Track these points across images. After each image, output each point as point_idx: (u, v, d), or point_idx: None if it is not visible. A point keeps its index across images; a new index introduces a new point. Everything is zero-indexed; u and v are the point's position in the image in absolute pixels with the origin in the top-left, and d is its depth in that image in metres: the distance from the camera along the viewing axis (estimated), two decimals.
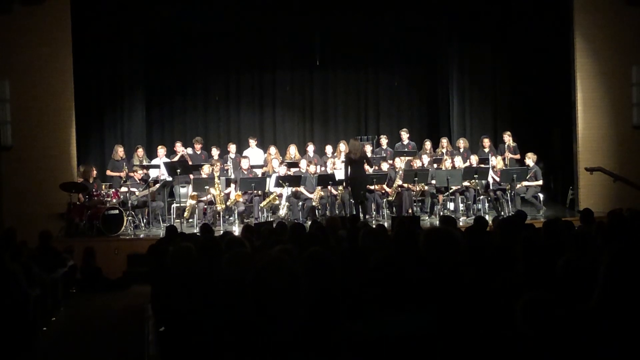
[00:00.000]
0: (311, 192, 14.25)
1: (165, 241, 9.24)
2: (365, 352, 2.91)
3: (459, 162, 14.71)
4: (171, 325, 4.90)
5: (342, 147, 15.60)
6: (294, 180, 14.03)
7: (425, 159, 15.08)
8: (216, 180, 13.86)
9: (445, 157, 15.10)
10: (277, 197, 14.21)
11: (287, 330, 3.01)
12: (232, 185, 14.49)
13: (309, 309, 3.36)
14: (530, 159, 14.47)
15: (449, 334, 3.27)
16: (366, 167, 14.03)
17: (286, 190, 14.16)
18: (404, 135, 16.23)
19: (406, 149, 15.86)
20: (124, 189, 13.96)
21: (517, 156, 15.32)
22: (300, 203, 14.22)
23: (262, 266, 3.19)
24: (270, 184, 14.26)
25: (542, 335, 3.10)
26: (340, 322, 3.26)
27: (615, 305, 3.21)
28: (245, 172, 14.61)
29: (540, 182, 14.36)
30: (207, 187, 13.81)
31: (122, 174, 14.42)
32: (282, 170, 14.48)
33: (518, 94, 17.54)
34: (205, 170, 14.14)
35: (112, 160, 14.89)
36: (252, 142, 16.11)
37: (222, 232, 11.69)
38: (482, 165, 14.65)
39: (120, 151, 14.86)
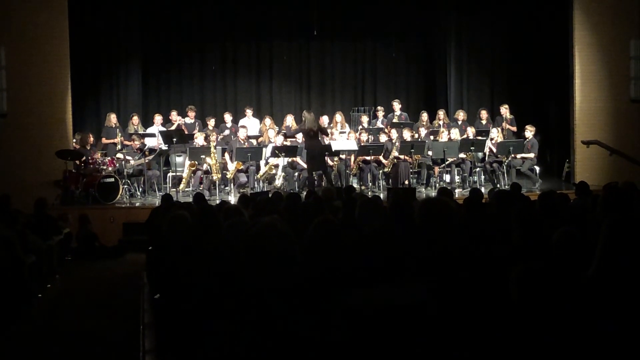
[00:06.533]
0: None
1: (161, 210, 9.24)
2: (358, 322, 2.91)
3: (455, 134, 14.68)
4: (166, 292, 4.90)
5: (339, 117, 15.63)
6: (290, 151, 14.00)
7: (422, 131, 15.04)
8: (212, 149, 13.82)
9: (442, 129, 15.09)
10: (273, 167, 14.20)
11: (280, 296, 3.01)
12: (227, 155, 14.43)
13: (306, 276, 3.36)
14: (529, 131, 14.44)
15: (444, 305, 3.27)
16: (325, 138, 14.10)
17: (282, 161, 14.14)
18: (397, 106, 16.13)
19: (398, 120, 15.82)
20: (119, 155, 13.94)
21: (514, 128, 15.32)
22: (296, 173, 14.21)
23: (254, 232, 3.18)
24: (267, 154, 14.23)
25: (536, 305, 3.10)
26: (337, 291, 3.26)
27: (613, 275, 3.22)
28: (242, 142, 14.54)
29: (532, 155, 14.30)
30: (203, 156, 13.77)
31: (116, 141, 14.40)
32: (279, 140, 14.44)
33: (516, 66, 17.44)
34: (198, 140, 14.07)
35: (106, 127, 14.88)
36: (249, 112, 16.01)
37: (218, 201, 11.71)
38: (479, 138, 14.63)
39: (112, 118, 14.86)
